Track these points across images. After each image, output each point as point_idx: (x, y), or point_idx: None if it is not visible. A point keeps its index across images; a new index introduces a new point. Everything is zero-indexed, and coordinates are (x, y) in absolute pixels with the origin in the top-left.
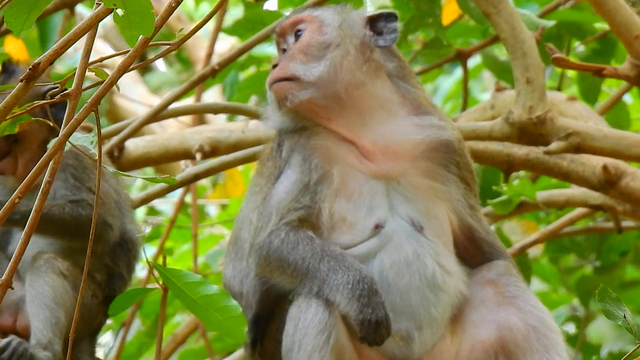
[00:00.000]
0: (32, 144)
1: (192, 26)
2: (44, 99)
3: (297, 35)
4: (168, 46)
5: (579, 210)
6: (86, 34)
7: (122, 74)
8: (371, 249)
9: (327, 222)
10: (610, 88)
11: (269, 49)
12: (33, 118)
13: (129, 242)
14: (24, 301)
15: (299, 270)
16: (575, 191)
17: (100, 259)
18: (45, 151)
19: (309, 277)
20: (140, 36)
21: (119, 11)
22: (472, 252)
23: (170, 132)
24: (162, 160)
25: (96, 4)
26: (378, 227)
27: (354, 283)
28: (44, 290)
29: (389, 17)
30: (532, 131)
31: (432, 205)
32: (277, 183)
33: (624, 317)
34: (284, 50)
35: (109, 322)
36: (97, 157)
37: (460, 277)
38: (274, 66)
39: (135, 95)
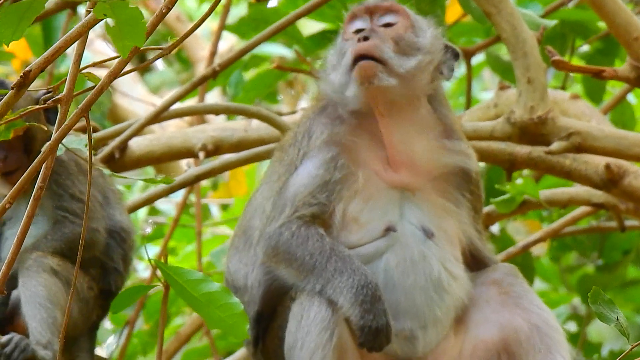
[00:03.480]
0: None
1: (191, 26)
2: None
3: (387, 22)
4: (161, 49)
5: (582, 209)
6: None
7: (113, 80)
8: (378, 249)
9: (339, 221)
10: (614, 88)
11: (272, 49)
12: (28, 124)
13: (122, 232)
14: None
15: (305, 266)
16: (578, 190)
17: (94, 255)
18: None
19: (314, 274)
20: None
21: (110, 21)
22: (475, 270)
23: (173, 131)
24: (164, 159)
25: (86, 11)
26: (389, 230)
27: (358, 287)
28: (37, 290)
29: (455, 54)
30: (533, 131)
31: (443, 220)
32: (298, 172)
33: (617, 319)
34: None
35: (111, 325)
36: (88, 164)
37: (464, 283)
38: (364, 38)
39: (135, 95)
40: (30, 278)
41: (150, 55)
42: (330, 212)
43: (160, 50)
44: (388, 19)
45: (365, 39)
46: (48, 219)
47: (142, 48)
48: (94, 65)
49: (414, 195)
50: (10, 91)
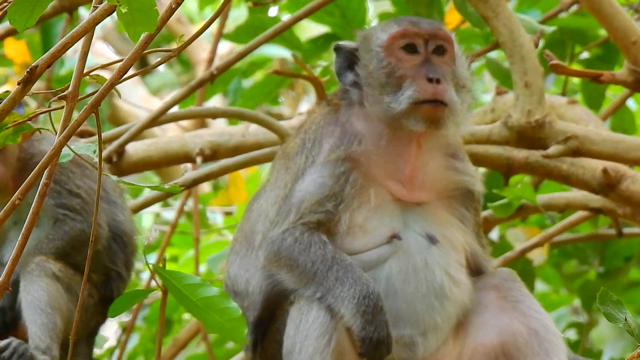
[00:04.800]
0: (14, 154)
1: (193, 28)
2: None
3: (440, 50)
4: (169, 51)
5: (579, 214)
6: (84, 37)
7: (122, 76)
8: (382, 255)
9: (345, 228)
10: (614, 94)
11: (273, 50)
12: (36, 127)
13: (124, 235)
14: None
15: (306, 273)
16: (575, 194)
17: (97, 258)
18: (25, 160)
19: (315, 281)
20: (140, 38)
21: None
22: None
23: (171, 136)
24: (162, 163)
25: (93, 7)
26: (394, 237)
27: (359, 298)
28: (39, 295)
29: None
30: (530, 135)
31: (448, 229)
32: (305, 180)
33: (625, 320)
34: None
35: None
36: (98, 164)
37: (467, 289)
38: (436, 81)
39: (135, 97)
40: (32, 282)
41: (152, 58)
42: (336, 221)
43: (165, 53)
44: (440, 47)
45: (437, 81)
46: (48, 218)
47: (145, 51)
48: (102, 67)
49: (420, 207)
50: (17, 87)
